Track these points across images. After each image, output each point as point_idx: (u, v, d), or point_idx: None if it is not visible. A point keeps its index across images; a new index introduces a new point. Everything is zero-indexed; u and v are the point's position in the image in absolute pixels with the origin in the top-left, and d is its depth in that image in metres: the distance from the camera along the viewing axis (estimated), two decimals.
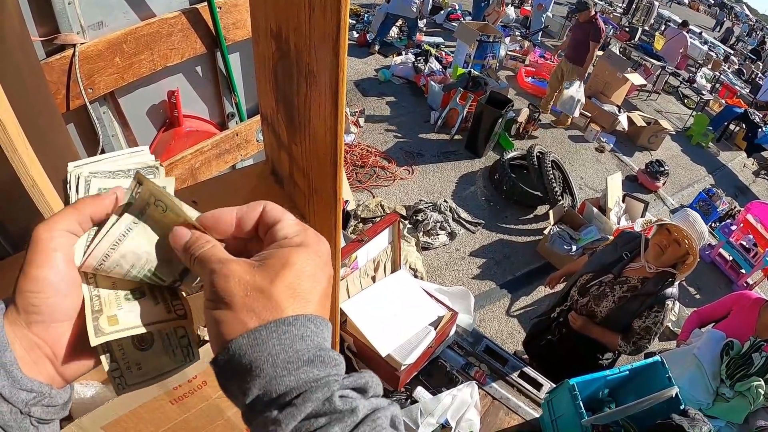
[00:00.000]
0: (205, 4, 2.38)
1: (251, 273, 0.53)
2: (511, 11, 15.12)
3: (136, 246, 0.59)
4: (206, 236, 0.59)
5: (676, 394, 2.33)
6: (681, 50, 14.43)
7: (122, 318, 0.58)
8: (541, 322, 3.68)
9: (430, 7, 10.75)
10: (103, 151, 2.35)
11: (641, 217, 7.02)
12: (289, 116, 1.31)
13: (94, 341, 0.55)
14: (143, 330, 0.59)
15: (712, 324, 3.81)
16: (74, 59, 1.93)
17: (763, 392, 3.06)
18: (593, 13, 8.75)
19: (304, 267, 0.54)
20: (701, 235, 2.85)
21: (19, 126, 1.24)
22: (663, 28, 20.26)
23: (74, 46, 1.93)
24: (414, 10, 10.22)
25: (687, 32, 14.75)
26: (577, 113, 9.48)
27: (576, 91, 9.20)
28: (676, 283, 2.95)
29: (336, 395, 0.49)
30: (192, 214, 0.60)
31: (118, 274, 0.60)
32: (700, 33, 20.74)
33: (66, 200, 0.63)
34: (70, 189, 0.62)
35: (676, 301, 6.03)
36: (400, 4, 10.15)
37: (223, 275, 0.53)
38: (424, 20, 12.83)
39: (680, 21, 16.31)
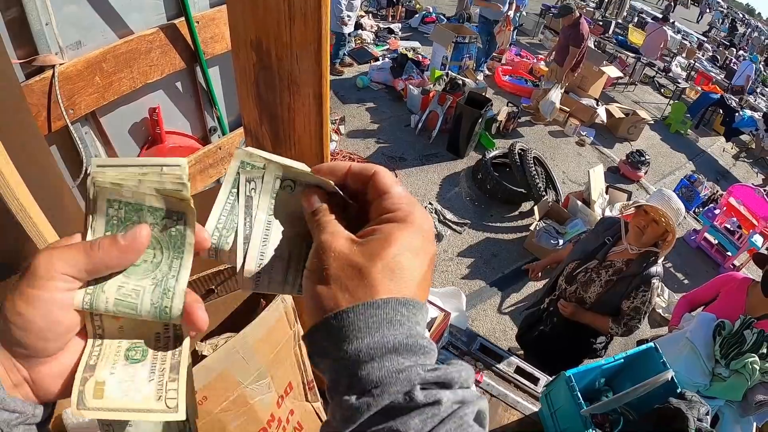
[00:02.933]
0: (183, 19, 2.37)
1: (351, 249, 0.52)
2: None
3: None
4: (326, 209, 0.58)
5: (672, 378, 2.34)
6: (661, 45, 14.56)
7: (109, 391, 0.53)
8: (531, 314, 3.73)
9: (354, 21, 10.04)
10: (87, 174, 2.34)
11: None
12: (273, 126, 1.32)
13: (74, 411, 0.51)
14: (124, 417, 0.54)
15: (702, 307, 3.84)
16: (54, 80, 1.92)
17: (758, 367, 3.09)
18: (577, 16, 8.78)
19: (406, 245, 0.53)
20: (678, 211, 2.93)
21: (4, 151, 1.24)
22: (635, 19, 20.49)
23: (53, 67, 1.92)
24: (338, 23, 9.14)
25: (666, 26, 14.86)
26: (550, 117, 9.58)
27: (555, 95, 9.32)
28: (660, 261, 3.00)
29: (417, 388, 0.46)
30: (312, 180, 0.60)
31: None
32: (673, 23, 20.98)
33: (85, 213, 0.55)
34: (89, 202, 0.54)
35: (665, 288, 6.16)
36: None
37: (327, 247, 0.53)
38: (399, 25, 12.87)
39: (660, 15, 16.45)
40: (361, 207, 0.61)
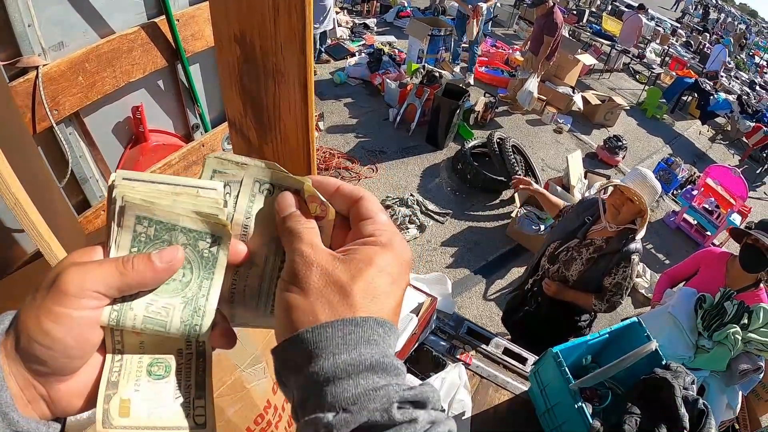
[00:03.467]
0: (164, 17, 2.39)
1: (334, 265, 0.52)
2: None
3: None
4: (311, 219, 0.58)
5: (657, 349, 2.40)
6: (637, 33, 14.74)
7: (135, 408, 0.53)
8: (516, 296, 3.81)
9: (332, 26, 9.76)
10: (72, 175, 2.35)
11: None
12: (258, 117, 1.35)
13: (100, 430, 0.51)
14: None
15: (683, 283, 3.93)
16: (38, 81, 1.93)
17: (740, 338, 3.17)
18: (551, 5, 8.81)
19: (387, 270, 0.53)
20: (653, 188, 2.99)
21: None
22: (609, 8, 20.63)
23: (37, 68, 1.93)
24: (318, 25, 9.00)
25: (641, 13, 15.04)
26: (528, 107, 9.65)
27: (532, 85, 9.37)
28: (638, 238, 3.06)
29: (395, 406, 0.46)
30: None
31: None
32: (647, 10, 21.16)
33: (108, 226, 0.54)
34: (113, 218, 0.53)
35: (647, 269, 6.25)
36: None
37: (307, 260, 0.52)
38: (374, 20, 12.84)
39: (635, 4, 16.65)
40: (338, 228, 0.61)
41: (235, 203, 0.59)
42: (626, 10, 18.53)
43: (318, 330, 0.48)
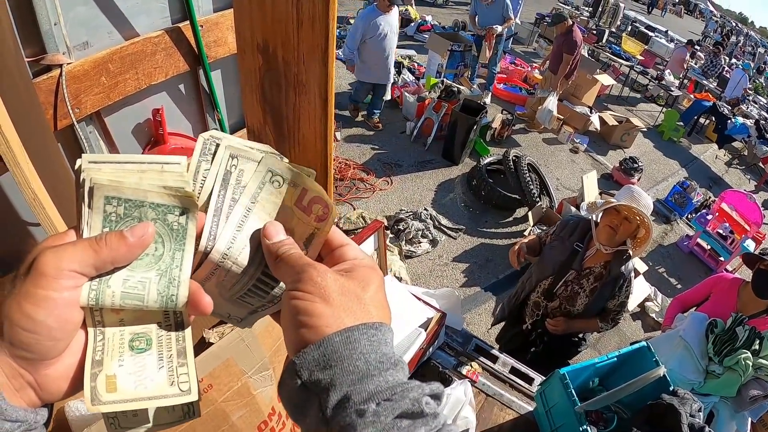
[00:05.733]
0: (188, 22, 2.41)
1: (344, 279, 0.58)
2: None
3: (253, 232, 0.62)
4: (294, 243, 0.61)
5: (665, 375, 2.37)
6: (681, 64, 14.87)
7: (121, 383, 0.54)
8: (515, 337, 3.65)
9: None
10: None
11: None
12: (277, 126, 1.36)
13: (90, 408, 0.52)
14: (141, 406, 0.55)
15: (694, 308, 3.90)
16: (61, 79, 1.95)
17: (751, 363, 3.14)
18: (570, 24, 8.81)
19: (380, 286, 0.61)
20: (647, 207, 2.94)
21: (20, 142, 1.28)
22: (629, 28, 20.60)
23: (61, 66, 1.95)
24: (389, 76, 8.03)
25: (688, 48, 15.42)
26: (548, 125, 9.62)
27: (552, 103, 9.36)
28: (636, 257, 3.08)
29: (423, 399, 0.51)
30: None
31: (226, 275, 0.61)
32: (666, 32, 21.12)
33: (78, 209, 0.54)
34: (83, 200, 0.54)
35: (659, 292, 6.22)
36: (375, 73, 7.88)
37: (321, 272, 0.56)
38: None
39: (686, 41, 17.02)
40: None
41: (244, 184, 0.61)
42: (646, 31, 18.60)
43: (347, 333, 0.52)
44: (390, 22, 7.41)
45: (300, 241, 0.63)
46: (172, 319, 0.60)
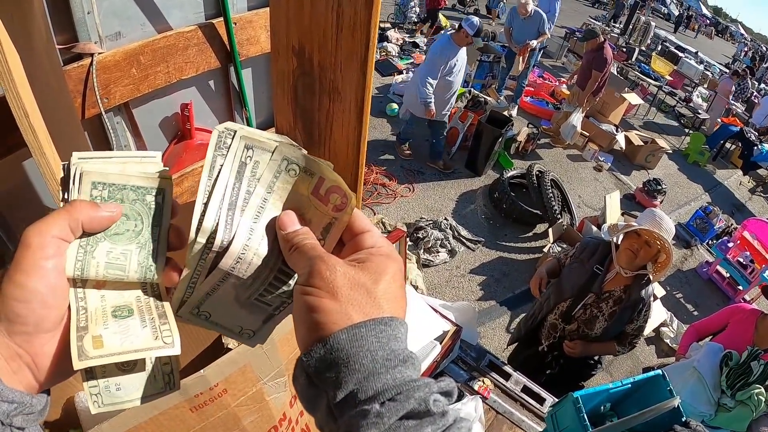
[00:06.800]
0: (221, 19, 2.40)
1: (355, 271, 0.56)
2: None
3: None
4: (310, 232, 0.61)
5: (678, 406, 2.34)
6: (726, 94, 14.77)
7: (107, 341, 0.57)
8: (530, 359, 3.60)
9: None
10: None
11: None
12: (308, 131, 1.34)
13: (77, 364, 0.54)
14: (128, 357, 0.58)
15: (710, 337, 3.86)
16: (92, 68, 1.94)
17: (764, 399, 3.10)
18: (601, 40, 8.73)
19: (395, 276, 0.58)
20: (668, 232, 2.91)
21: (47, 131, 1.27)
22: (659, 47, 20.44)
23: (92, 55, 1.95)
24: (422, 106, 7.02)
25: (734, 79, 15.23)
26: (571, 141, 9.57)
27: (576, 119, 9.31)
28: (656, 281, 3.04)
29: (431, 398, 0.50)
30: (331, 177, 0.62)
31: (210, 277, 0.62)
32: (696, 53, 20.94)
33: (65, 194, 0.61)
34: (72, 184, 0.60)
35: (674, 318, 6.15)
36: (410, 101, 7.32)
37: (330, 265, 0.55)
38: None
39: (731, 71, 16.79)
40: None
41: (260, 175, 0.62)
42: (676, 51, 18.49)
43: (354, 330, 0.51)
44: (463, 56, 7.03)
45: (317, 230, 0.64)
46: (150, 292, 0.65)
